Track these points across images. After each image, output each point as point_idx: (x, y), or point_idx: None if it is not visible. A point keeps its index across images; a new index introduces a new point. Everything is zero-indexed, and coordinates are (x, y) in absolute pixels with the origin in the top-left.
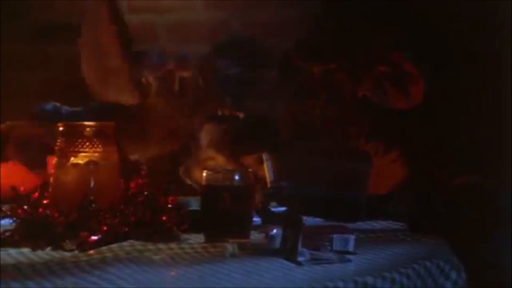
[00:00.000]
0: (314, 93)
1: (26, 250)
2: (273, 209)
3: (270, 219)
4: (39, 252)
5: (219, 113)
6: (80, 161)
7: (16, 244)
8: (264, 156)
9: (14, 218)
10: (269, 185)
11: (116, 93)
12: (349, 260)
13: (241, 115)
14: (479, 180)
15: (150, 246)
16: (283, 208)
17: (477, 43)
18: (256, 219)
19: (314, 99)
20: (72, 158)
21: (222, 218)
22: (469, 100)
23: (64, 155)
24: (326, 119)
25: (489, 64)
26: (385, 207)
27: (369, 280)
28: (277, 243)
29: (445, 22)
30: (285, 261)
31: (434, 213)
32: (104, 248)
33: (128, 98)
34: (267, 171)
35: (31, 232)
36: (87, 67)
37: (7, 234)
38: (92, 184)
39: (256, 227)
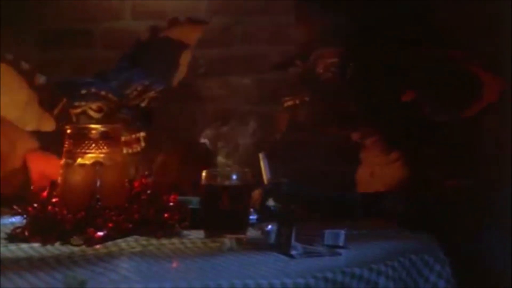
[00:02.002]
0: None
1: (36, 245)
2: (271, 207)
3: (268, 215)
4: (49, 247)
5: None
6: (87, 162)
7: (27, 240)
8: (261, 155)
9: (25, 216)
10: (266, 183)
11: (36, 123)
12: (339, 254)
13: None
14: (470, 184)
15: (153, 241)
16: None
17: (477, 44)
18: (253, 217)
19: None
20: (79, 159)
21: (221, 215)
22: (469, 103)
23: (72, 156)
24: (336, 116)
25: (488, 66)
26: (380, 205)
27: (357, 271)
28: (272, 238)
29: (442, 23)
30: (279, 255)
31: (427, 213)
32: (110, 243)
33: (46, 125)
34: (264, 169)
35: (41, 228)
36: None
37: (18, 230)
38: (98, 183)
39: (253, 224)
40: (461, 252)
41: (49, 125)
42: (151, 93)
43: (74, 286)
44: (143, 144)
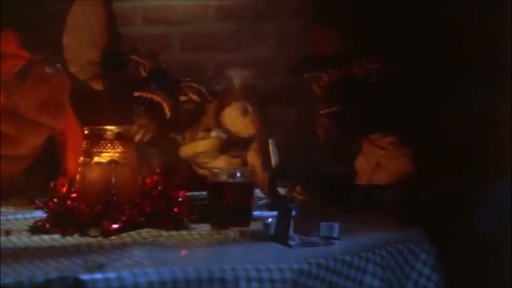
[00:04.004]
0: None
1: (57, 236)
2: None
3: (277, 199)
4: (68, 238)
5: None
6: (103, 160)
7: (48, 232)
8: (270, 141)
9: (46, 210)
10: (274, 166)
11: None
12: (333, 244)
13: None
14: (457, 185)
15: (164, 233)
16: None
17: (476, 44)
18: (256, 213)
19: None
20: (96, 158)
21: (226, 210)
22: (468, 106)
23: (89, 155)
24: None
25: (488, 67)
26: (379, 196)
27: (347, 258)
28: (272, 230)
29: (442, 22)
30: (278, 245)
31: (420, 208)
32: (124, 234)
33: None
34: (272, 154)
35: (61, 221)
36: None
37: (40, 223)
38: (113, 180)
39: (255, 218)
40: (456, 248)
41: (98, 85)
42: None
43: (93, 269)
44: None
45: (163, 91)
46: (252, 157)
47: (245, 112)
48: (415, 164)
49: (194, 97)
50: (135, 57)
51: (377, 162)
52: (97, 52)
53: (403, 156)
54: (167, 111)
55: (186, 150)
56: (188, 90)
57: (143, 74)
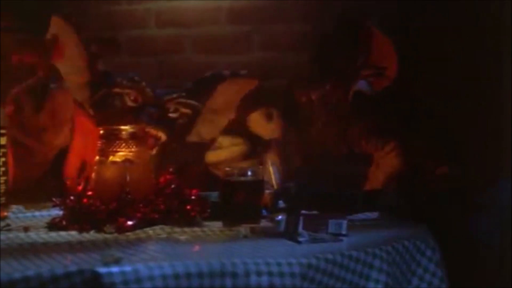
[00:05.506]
0: (317, 114)
1: (74, 232)
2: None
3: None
4: (85, 234)
5: None
6: (118, 159)
7: (65, 228)
8: (270, 161)
9: (63, 207)
10: (275, 187)
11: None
12: (341, 240)
13: None
14: (458, 172)
15: (177, 229)
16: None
17: (474, 40)
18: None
19: (317, 119)
20: (111, 157)
21: (237, 207)
22: (462, 97)
23: (104, 154)
24: (330, 131)
25: (485, 59)
26: (378, 200)
27: (354, 253)
28: (282, 227)
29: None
30: (288, 241)
31: (418, 203)
32: (138, 231)
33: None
34: (272, 175)
35: (77, 218)
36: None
37: (57, 220)
38: (128, 178)
39: (265, 216)
40: (453, 241)
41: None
42: (183, 108)
43: (110, 263)
44: (160, 140)
45: (154, 118)
46: (271, 158)
47: (269, 118)
48: (408, 157)
49: (185, 111)
50: (118, 90)
51: (376, 163)
52: (85, 75)
53: (391, 151)
54: (163, 138)
55: (211, 158)
56: (178, 106)
57: (129, 103)
